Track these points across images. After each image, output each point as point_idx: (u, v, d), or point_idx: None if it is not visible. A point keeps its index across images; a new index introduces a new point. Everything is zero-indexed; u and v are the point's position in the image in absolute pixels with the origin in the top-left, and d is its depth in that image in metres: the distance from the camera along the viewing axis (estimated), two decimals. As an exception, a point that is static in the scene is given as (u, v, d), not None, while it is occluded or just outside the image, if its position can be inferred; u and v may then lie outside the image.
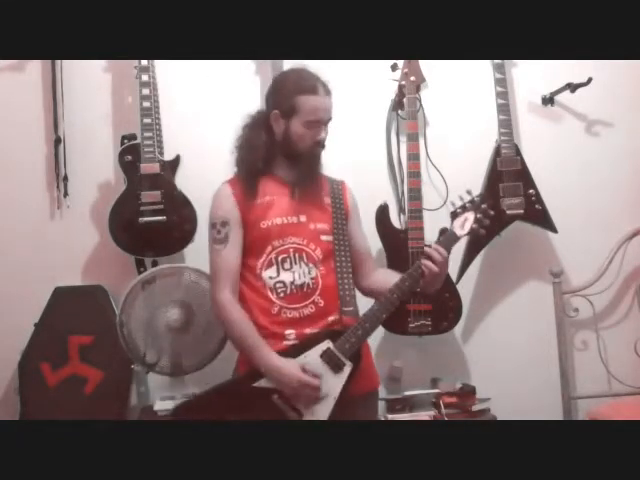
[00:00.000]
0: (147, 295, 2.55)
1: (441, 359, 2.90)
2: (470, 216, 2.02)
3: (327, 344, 1.95)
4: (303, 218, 2.06)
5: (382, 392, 2.84)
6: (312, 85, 2.04)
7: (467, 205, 2.04)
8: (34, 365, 2.61)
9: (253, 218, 2.04)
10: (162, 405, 2.53)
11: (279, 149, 2.09)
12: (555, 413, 2.78)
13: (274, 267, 2.02)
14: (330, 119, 2.09)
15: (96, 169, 2.78)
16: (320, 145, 2.08)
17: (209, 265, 2.10)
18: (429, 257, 1.97)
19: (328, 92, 2.08)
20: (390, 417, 2.69)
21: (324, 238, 2.07)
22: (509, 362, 2.92)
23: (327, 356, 1.94)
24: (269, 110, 2.10)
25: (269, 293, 2.01)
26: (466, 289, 2.85)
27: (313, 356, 1.95)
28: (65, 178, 2.73)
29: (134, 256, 2.69)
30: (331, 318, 2.02)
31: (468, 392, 2.70)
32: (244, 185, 2.07)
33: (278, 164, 2.11)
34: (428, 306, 2.71)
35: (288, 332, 1.99)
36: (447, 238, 2.04)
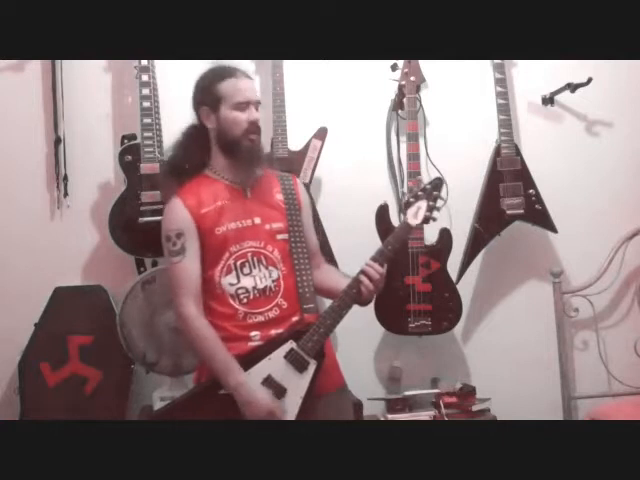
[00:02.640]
0: (147, 295, 2.55)
1: (441, 359, 2.90)
2: (423, 204, 1.98)
3: (290, 344, 1.94)
4: (257, 220, 2.02)
5: (382, 392, 2.85)
6: (229, 70, 2.04)
7: (419, 193, 1.99)
8: (34, 365, 2.60)
9: (207, 226, 1.99)
10: (162, 405, 2.52)
11: (218, 147, 2.06)
12: (555, 413, 2.78)
13: (233, 273, 1.99)
14: (258, 101, 2.06)
15: (96, 169, 2.77)
16: (254, 126, 2.03)
17: (169, 279, 2.06)
18: (365, 274, 1.94)
19: (248, 76, 2.07)
20: (390, 417, 2.69)
21: (280, 237, 2.04)
22: (509, 362, 2.92)
23: (291, 356, 1.93)
24: (197, 113, 2.07)
25: (231, 300, 1.98)
26: (466, 289, 2.85)
27: (277, 358, 1.94)
28: (65, 178, 2.73)
29: (134, 256, 2.69)
30: (295, 318, 2.01)
31: (468, 392, 2.70)
32: (172, 182, 2.05)
33: (221, 169, 2.06)
34: (428, 306, 2.71)
35: (253, 334, 1.97)
36: (401, 229, 2.01)
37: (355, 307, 2.09)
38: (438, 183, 2.00)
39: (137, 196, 2.60)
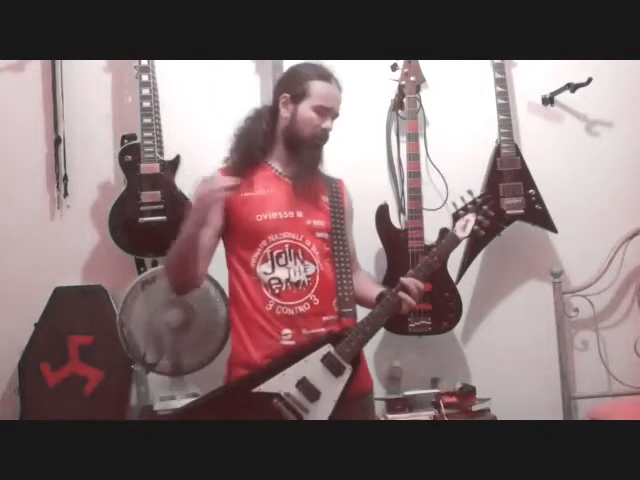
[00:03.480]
0: (147, 295, 2.55)
1: (441, 359, 2.90)
2: (471, 218, 2.02)
3: (328, 348, 1.93)
4: (300, 214, 2.03)
5: (382, 392, 2.85)
6: (327, 73, 2.06)
7: (469, 207, 2.03)
8: (34, 365, 2.60)
9: (246, 210, 2.01)
10: (162, 405, 2.53)
11: (282, 138, 2.07)
12: (555, 413, 2.78)
13: (269, 262, 1.99)
14: (338, 114, 2.08)
15: (96, 169, 2.78)
16: (325, 134, 2.05)
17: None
18: (405, 289, 1.95)
19: (340, 87, 2.09)
20: (390, 417, 2.69)
21: (319, 235, 2.05)
22: (509, 362, 2.92)
23: (328, 361, 1.92)
24: (277, 96, 2.08)
25: (263, 289, 1.98)
26: (466, 289, 2.85)
27: (314, 361, 1.93)
28: (65, 178, 2.73)
29: (134, 256, 2.69)
30: (326, 318, 2.00)
31: (468, 392, 2.70)
32: (236, 173, 2.02)
33: (276, 158, 2.09)
34: (428, 306, 2.71)
35: (285, 332, 1.97)
36: (448, 240, 2.03)
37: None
38: (489, 198, 2.04)
39: (137, 196, 2.60)
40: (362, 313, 2.02)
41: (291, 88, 2.06)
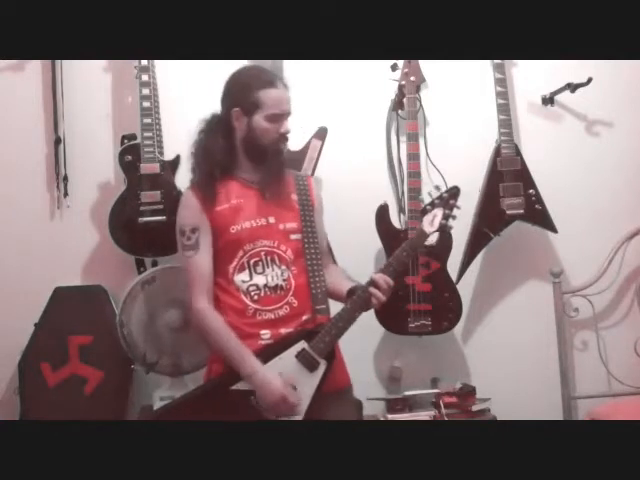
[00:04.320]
0: (147, 295, 2.55)
1: (441, 359, 2.90)
2: (439, 212, 2.02)
3: (302, 344, 1.96)
4: (272, 219, 2.05)
5: (382, 392, 2.85)
6: (271, 78, 2.05)
7: (436, 202, 2.04)
8: (34, 365, 2.60)
9: (222, 223, 2.03)
10: (162, 405, 2.53)
11: (242, 149, 2.08)
12: (555, 413, 2.78)
13: (246, 271, 2.02)
14: (290, 113, 2.08)
15: (96, 169, 2.77)
16: (284, 138, 2.07)
17: (184, 273, 2.10)
18: (375, 285, 1.97)
19: (286, 86, 2.09)
20: (390, 417, 2.69)
21: (293, 237, 2.06)
22: (509, 362, 2.92)
23: (302, 357, 1.96)
24: (227, 110, 2.08)
25: (242, 296, 2.01)
26: (466, 289, 2.85)
27: (289, 357, 1.96)
28: (65, 178, 2.73)
29: (134, 256, 2.69)
30: (305, 317, 2.03)
31: (468, 392, 2.70)
32: (204, 191, 2.05)
33: (241, 167, 2.09)
34: (428, 306, 2.71)
35: (263, 332, 1.99)
36: (417, 235, 2.06)
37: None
38: (455, 192, 2.05)
39: (137, 196, 2.60)
40: (336, 308, 2.03)
41: (241, 101, 2.04)
